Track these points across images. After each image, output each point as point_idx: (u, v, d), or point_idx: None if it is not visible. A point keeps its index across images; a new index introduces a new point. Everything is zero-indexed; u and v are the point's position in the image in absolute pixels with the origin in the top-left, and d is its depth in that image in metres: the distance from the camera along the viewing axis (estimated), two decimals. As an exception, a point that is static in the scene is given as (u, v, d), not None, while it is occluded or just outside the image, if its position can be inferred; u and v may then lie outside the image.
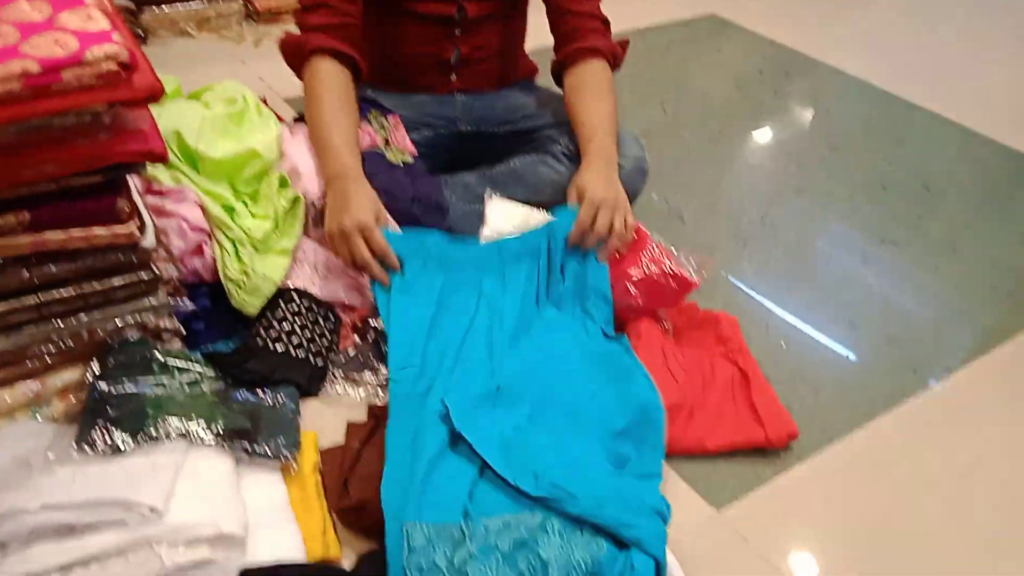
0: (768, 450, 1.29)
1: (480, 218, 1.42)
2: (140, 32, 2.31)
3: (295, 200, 1.37)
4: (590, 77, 1.53)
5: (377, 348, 1.32)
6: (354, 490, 1.09)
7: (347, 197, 1.30)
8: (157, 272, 1.11)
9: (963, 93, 2.54)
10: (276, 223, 1.34)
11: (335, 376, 1.28)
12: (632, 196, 1.45)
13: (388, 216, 1.35)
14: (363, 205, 1.29)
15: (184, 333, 1.22)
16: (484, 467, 1.08)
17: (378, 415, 1.19)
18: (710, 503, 1.21)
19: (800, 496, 1.24)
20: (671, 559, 1.04)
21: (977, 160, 2.22)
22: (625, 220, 1.35)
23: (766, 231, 1.84)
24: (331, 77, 1.43)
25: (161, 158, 1.04)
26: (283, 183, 1.39)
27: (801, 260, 1.77)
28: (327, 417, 1.23)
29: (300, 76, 1.48)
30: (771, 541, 1.16)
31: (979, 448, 1.33)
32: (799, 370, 1.46)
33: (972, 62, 2.78)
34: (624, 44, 1.61)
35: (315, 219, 1.41)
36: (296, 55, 1.47)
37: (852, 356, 1.51)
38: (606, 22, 1.58)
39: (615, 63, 1.59)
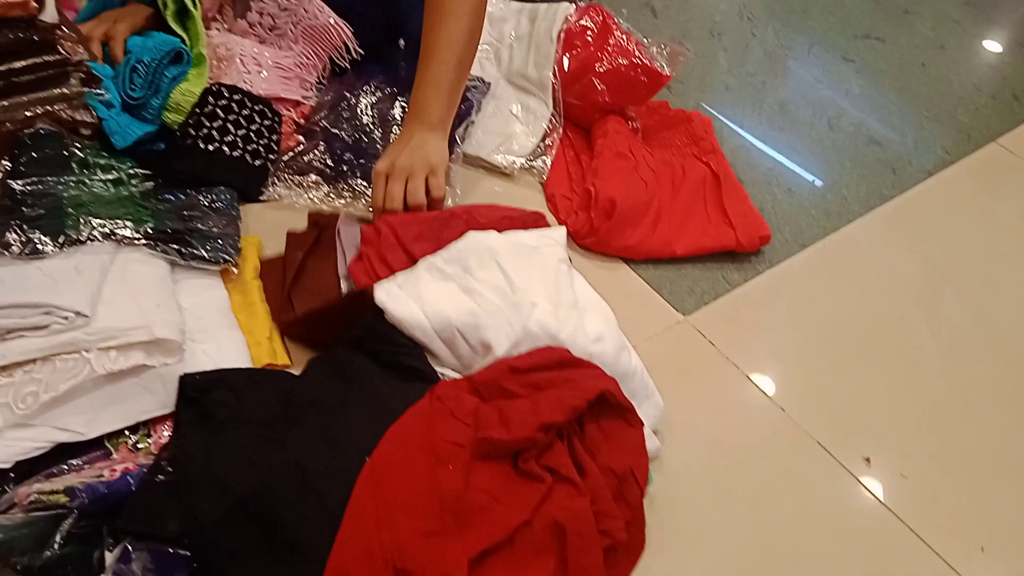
0: (738, 255, 1.23)
1: None
2: None
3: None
4: None
5: (326, 146, 1.21)
6: (299, 304, 1.02)
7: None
8: (63, 53, 0.98)
9: None
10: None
11: (277, 179, 1.18)
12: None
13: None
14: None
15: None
16: None
17: (320, 223, 1.10)
18: (677, 309, 1.16)
19: (770, 301, 1.19)
20: (636, 363, 1.00)
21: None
22: (428, 180, 1.08)
23: (743, 24, 1.71)
24: None
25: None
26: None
27: (780, 56, 1.66)
28: (269, 222, 1.14)
29: None
30: (739, 346, 1.12)
31: (955, 251, 1.29)
32: (773, 172, 1.39)
33: None
34: None
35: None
36: None
37: (829, 158, 1.44)
38: None
39: None
